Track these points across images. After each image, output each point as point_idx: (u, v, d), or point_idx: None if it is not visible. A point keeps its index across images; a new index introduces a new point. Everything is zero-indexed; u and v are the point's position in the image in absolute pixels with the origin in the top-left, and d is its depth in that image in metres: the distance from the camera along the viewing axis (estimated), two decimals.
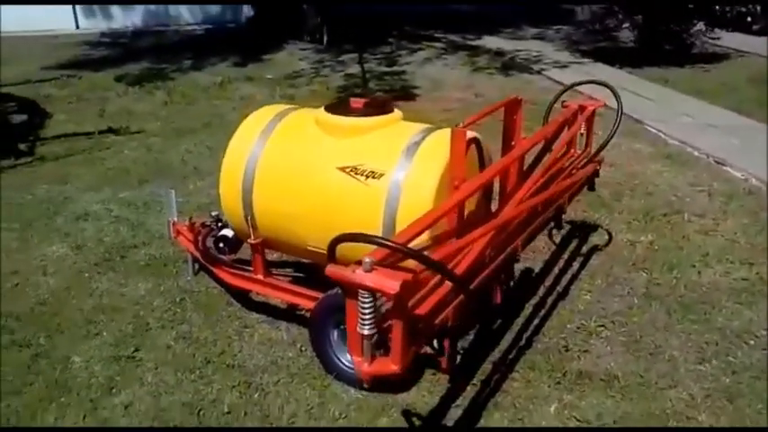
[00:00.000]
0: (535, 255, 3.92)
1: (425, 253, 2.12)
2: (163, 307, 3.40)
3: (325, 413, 2.64)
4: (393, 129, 2.80)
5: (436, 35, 11.58)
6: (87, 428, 2.57)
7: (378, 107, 2.90)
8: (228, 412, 2.65)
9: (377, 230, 2.58)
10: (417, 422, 2.62)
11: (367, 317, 1.71)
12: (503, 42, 10.96)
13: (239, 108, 6.75)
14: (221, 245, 3.35)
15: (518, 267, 3.75)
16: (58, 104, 7.64)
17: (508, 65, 9.19)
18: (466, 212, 2.72)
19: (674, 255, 3.90)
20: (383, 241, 1.66)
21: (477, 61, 9.45)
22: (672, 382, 2.84)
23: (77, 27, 12.61)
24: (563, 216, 4.04)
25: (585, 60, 9.47)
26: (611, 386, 2.81)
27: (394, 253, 1.77)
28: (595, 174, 3.48)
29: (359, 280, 1.64)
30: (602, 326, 3.23)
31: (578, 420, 2.63)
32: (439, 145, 2.59)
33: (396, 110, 2.94)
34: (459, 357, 2.96)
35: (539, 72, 8.80)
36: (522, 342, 3.10)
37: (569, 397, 2.75)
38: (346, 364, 2.75)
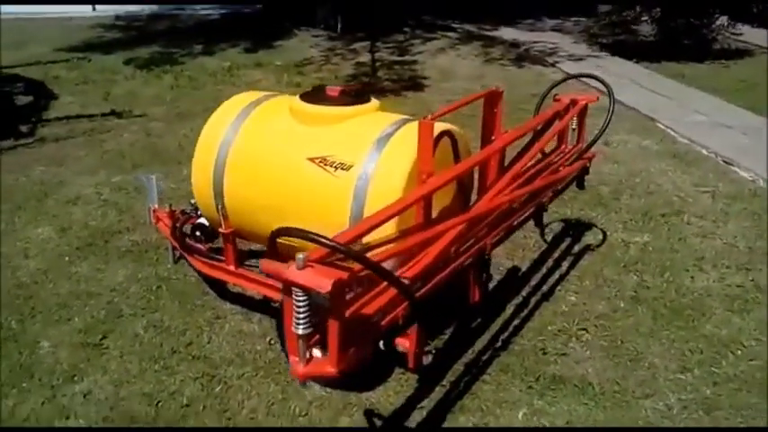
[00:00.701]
0: (524, 253, 3.82)
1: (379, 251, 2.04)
2: (138, 294, 3.35)
3: (285, 410, 2.58)
4: (367, 119, 2.71)
5: (452, 25, 11.42)
6: (86, 429, 2.49)
7: (353, 96, 2.80)
8: (188, 405, 2.60)
9: (344, 224, 2.49)
10: (379, 422, 2.54)
11: (301, 316, 1.64)
12: (519, 34, 10.77)
13: None
14: (198, 233, 3.29)
15: (504, 265, 3.68)
16: (66, 86, 7.65)
17: (522, 56, 9.02)
18: (440, 208, 2.63)
19: (669, 257, 3.76)
20: (317, 238, 1.57)
21: (491, 52, 9.28)
22: (649, 390, 2.72)
23: (94, 9, 12.64)
24: (551, 213, 3.96)
25: (602, 54, 9.26)
26: (585, 393, 2.71)
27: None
28: (585, 171, 3.35)
29: (290, 277, 1.56)
30: (584, 329, 3.12)
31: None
32: (411, 137, 2.48)
33: (373, 99, 2.85)
34: (430, 356, 2.90)
35: (553, 65, 8.61)
36: (499, 343, 3.01)
37: (540, 402, 2.65)
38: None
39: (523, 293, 3.40)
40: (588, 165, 3.35)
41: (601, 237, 4.01)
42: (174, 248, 3.52)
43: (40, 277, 3.51)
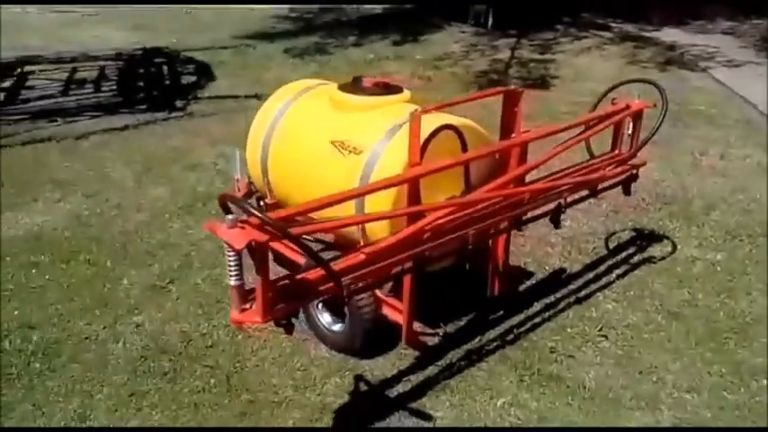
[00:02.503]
0: (579, 257, 3.79)
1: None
2: (211, 250, 3.84)
3: (288, 363, 2.90)
4: (391, 109, 2.91)
5: (610, 24, 10.95)
6: (82, 429, 2.64)
7: (384, 88, 3.03)
8: (211, 346, 3.01)
9: (351, 204, 2.73)
10: (364, 387, 2.77)
11: (232, 268, 1.93)
12: (682, 35, 10.07)
13: None
14: (261, 203, 3.70)
15: (552, 265, 3.68)
16: (227, 70, 8.57)
17: (671, 60, 8.48)
18: (446, 197, 2.78)
19: (736, 279, 3.53)
20: (244, 206, 1.86)
21: (639, 54, 8.83)
22: (644, 404, 2.67)
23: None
24: (624, 221, 3.86)
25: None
26: (575, 394, 2.72)
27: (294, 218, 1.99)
28: (631, 178, 3.27)
29: (217, 232, 1.86)
30: (605, 336, 3.09)
31: (518, 419, 2.60)
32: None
33: (405, 91, 3.05)
34: (437, 338, 3.05)
35: (703, 70, 8.02)
36: (510, 337, 3.08)
37: (524, 396, 2.72)
38: (324, 324, 2.98)
39: (557, 294, 3.41)
40: (635, 171, 3.26)
41: (669, 250, 3.84)
42: None
43: (141, 228, 4.14)
